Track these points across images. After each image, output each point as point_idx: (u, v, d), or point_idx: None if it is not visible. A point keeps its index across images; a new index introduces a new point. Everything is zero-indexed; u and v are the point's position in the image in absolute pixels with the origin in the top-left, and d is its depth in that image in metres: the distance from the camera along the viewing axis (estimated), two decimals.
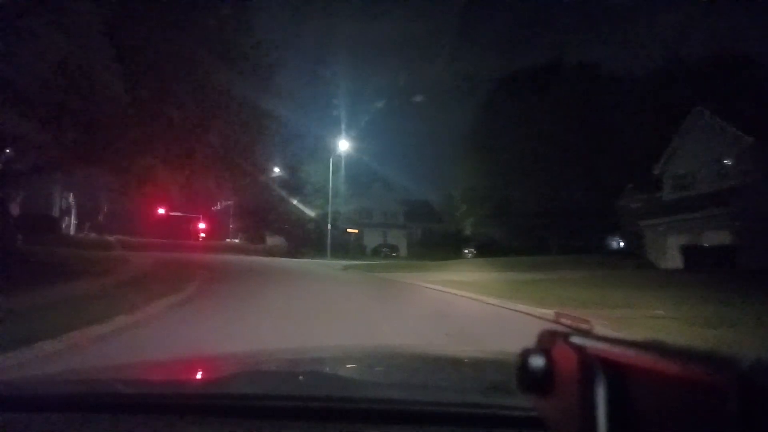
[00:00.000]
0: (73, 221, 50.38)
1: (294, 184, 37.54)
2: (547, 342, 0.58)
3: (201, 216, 61.13)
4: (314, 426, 0.99)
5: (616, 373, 0.46)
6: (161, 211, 60.35)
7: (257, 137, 16.03)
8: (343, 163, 37.21)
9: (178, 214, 61.70)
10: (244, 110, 14.41)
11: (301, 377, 1.48)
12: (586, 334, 0.55)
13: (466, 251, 44.01)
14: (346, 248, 36.58)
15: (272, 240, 46.77)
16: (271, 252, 37.69)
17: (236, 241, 54.42)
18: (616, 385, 0.46)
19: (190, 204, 58.36)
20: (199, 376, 1.57)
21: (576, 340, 0.53)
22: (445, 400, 1.11)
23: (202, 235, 62.93)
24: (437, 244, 46.41)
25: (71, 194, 47.72)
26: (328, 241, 34.97)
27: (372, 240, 47.19)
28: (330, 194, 35.86)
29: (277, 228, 41.43)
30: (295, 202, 37.73)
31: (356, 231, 36.32)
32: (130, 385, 1.23)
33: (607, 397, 0.46)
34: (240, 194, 37.78)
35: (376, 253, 43.99)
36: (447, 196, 51.20)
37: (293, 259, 31.87)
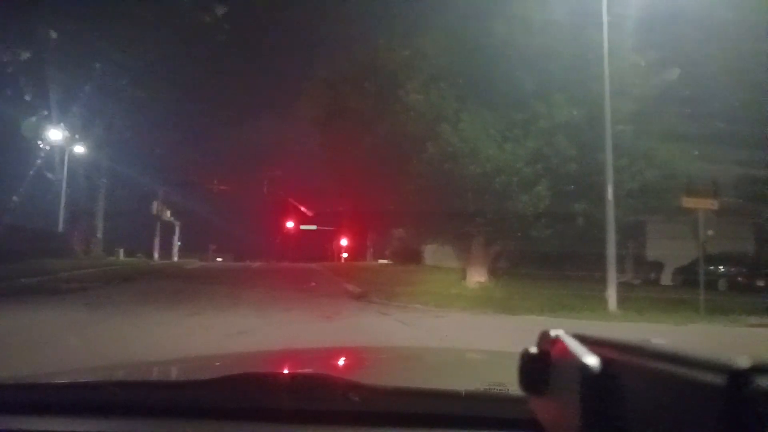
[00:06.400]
0: (177, 243, 38.28)
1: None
2: (546, 343, 0.58)
3: (341, 228, 45.28)
4: (309, 428, 0.99)
5: (614, 373, 0.46)
6: (290, 224, 46.25)
7: None
8: None
9: (312, 227, 46.94)
10: None
11: (298, 378, 1.38)
12: (586, 335, 0.55)
13: None
14: (646, 270, 13.78)
15: (433, 252, 26.62)
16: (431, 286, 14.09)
17: (386, 262, 36.33)
18: (614, 386, 0.46)
19: (326, 215, 42.85)
20: (194, 378, 1.51)
21: (575, 341, 0.54)
22: (445, 402, 1.09)
23: (344, 254, 47.05)
24: None
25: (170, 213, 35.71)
26: (610, 250, 10.20)
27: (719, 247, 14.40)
28: (607, 103, 10.13)
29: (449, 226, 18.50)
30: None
31: (712, 203, 9.92)
32: (125, 388, 1.20)
33: (605, 398, 0.46)
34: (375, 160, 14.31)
35: (736, 287, 15.20)
36: None
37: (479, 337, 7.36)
